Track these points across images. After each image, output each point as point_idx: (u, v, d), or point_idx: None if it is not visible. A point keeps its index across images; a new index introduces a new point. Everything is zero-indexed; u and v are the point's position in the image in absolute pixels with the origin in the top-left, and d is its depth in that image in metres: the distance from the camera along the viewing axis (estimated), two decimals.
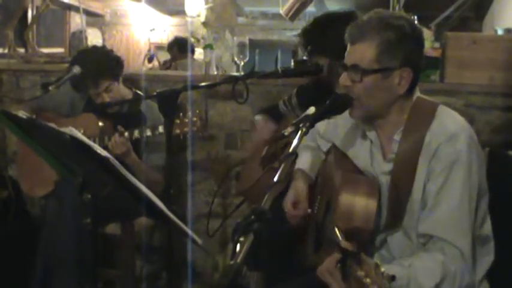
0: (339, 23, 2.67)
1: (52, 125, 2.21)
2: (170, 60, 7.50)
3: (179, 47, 7.24)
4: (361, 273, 1.47)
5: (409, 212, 2.04)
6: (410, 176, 2.03)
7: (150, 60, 8.59)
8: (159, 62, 8.71)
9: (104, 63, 3.40)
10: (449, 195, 1.96)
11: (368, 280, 1.45)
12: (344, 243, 1.69)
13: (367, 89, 2.05)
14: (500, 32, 3.93)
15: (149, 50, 10.85)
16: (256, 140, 3.30)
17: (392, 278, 1.43)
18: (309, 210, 2.40)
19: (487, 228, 2.10)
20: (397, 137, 2.10)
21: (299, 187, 2.43)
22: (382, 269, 1.43)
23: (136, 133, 3.16)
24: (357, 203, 2.04)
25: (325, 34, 2.83)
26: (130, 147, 3.16)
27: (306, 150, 2.54)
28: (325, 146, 2.51)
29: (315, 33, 2.91)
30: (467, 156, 1.97)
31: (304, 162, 2.52)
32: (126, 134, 3.13)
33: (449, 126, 2.03)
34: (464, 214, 1.96)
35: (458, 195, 1.96)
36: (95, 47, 3.76)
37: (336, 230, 1.93)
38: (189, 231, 2.08)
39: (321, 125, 2.48)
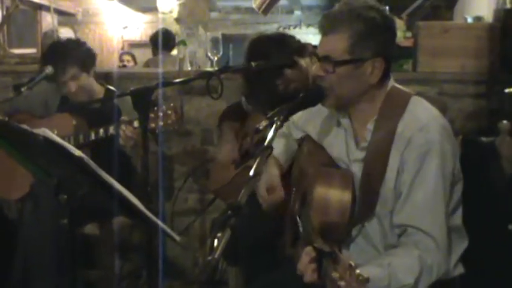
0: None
1: (25, 126, 2.19)
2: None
3: (154, 44, 7.19)
4: (335, 274, 1.47)
5: (382, 200, 2.05)
6: (382, 166, 2.04)
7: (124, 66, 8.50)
8: (134, 61, 8.63)
9: (71, 50, 3.42)
10: (423, 186, 1.97)
11: (342, 283, 1.45)
12: (318, 244, 1.68)
13: (340, 79, 2.06)
14: (470, 20, 3.97)
15: (122, 48, 10.81)
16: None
17: (367, 280, 1.43)
18: (284, 195, 2.39)
19: (460, 214, 2.13)
20: (370, 125, 2.11)
21: (272, 173, 2.43)
22: (357, 271, 1.43)
23: (111, 129, 3.12)
24: (332, 197, 2.04)
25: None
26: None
27: (278, 137, 2.52)
28: (299, 135, 2.52)
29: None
30: (439, 146, 1.98)
31: (275, 149, 2.52)
32: (136, 123, 2.99)
33: (421, 116, 2.04)
34: (438, 203, 1.98)
35: (432, 185, 1.97)
36: (66, 39, 3.78)
37: (312, 227, 1.94)
38: (167, 229, 2.08)
39: (296, 116, 2.48)
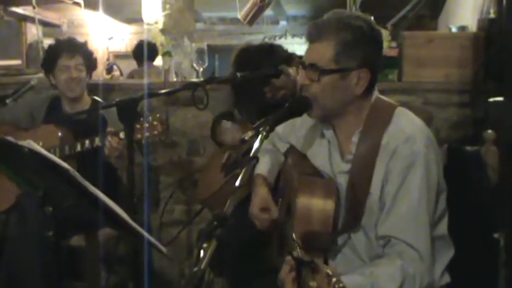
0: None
1: (10, 138, 2.18)
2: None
3: (136, 57, 7.24)
4: (313, 283, 1.47)
5: (367, 211, 2.05)
6: (367, 178, 2.04)
7: (109, 71, 8.51)
8: (120, 72, 8.64)
9: (81, 43, 3.60)
10: (407, 197, 1.98)
11: None
12: (297, 253, 1.68)
13: (325, 89, 2.06)
14: (454, 29, 4.00)
15: (108, 59, 10.78)
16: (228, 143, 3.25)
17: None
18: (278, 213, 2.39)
19: (445, 224, 2.13)
20: (355, 138, 2.11)
21: (263, 193, 2.41)
22: (334, 279, 1.42)
23: (97, 141, 3.11)
24: (314, 206, 2.04)
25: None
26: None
27: (264, 154, 2.52)
28: (283, 147, 2.52)
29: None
30: (424, 157, 1.99)
31: (262, 166, 2.51)
32: (121, 134, 2.99)
33: (406, 128, 2.05)
34: (422, 215, 1.98)
35: (417, 197, 1.97)
36: None
37: (294, 237, 1.93)
38: (153, 240, 2.07)
39: (279, 128, 2.48)
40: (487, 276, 2.44)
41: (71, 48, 3.49)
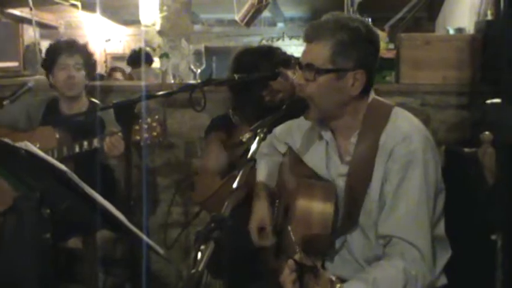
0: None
1: (7, 140, 2.17)
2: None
3: (132, 63, 7.18)
4: None
5: (366, 211, 2.06)
6: (366, 178, 2.05)
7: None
8: (124, 76, 8.60)
9: (81, 43, 3.63)
10: (406, 196, 1.98)
11: None
12: (300, 257, 1.67)
13: (320, 89, 2.06)
14: (451, 31, 4.01)
15: (105, 61, 10.78)
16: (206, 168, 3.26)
17: None
18: (273, 241, 2.37)
19: (443, 225, 2.13)
20: (354, 139, 2.11)
21: (263, 210, 2.40)
22: (338, 285, 1.43)
23: (95, 142, 3.11)
24: (314, 209, 2.05)
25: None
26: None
27: (261, 159, 2.52)
28: (283, 149, 2.52)
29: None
30: (422, 156, 2.00)
31: (261, 172, 2.52)
32: (120, 133, 2.97)
33: (404, 127, 2.06)
34: (422, 213, 1.98)
35: (416, 195, 1.98)
36: None
37: (294, 242, 1.93)
38: (150, 242, 2.07)
39: (277, 129, 2.48)
40: (484, 278, 2.44)
41: (70, 48, 3.50)
